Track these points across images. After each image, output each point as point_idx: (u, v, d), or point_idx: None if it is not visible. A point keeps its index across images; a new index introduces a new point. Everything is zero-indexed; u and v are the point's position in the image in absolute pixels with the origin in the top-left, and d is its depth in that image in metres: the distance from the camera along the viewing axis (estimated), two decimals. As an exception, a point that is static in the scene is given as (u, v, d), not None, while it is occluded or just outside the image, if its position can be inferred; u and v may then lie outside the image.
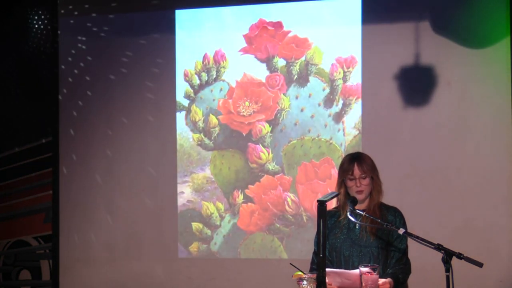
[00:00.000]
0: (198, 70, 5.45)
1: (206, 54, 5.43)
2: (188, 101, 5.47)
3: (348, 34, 5.14)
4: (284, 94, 5.27)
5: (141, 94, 5.55)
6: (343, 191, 3.42)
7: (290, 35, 5.26)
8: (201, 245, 5.42)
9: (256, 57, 5.33)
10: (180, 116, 5.48)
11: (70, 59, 5.70)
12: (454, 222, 4.89)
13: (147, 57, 5.54)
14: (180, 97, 5.48)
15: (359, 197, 3.37)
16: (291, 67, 5.25)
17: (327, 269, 3.03)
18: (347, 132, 5.14)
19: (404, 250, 3.40)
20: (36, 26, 5.80)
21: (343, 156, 5.02)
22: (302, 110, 5.24)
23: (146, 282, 5.48)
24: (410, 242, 3.31)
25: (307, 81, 5.23)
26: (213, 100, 5.41)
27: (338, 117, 5.16)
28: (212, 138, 5.41)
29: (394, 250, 3.38)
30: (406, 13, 5.02)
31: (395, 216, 3.43)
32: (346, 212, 3.37)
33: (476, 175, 4.88)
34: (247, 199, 5.33)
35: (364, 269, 3.11)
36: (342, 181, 3.42)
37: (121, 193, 5.57)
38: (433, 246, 3.01)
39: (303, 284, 3.08)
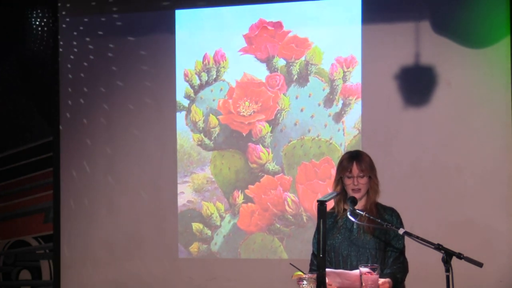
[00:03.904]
0: (198, 70, 5.45)
1: (206, 54, 5.43)
2: (188, 101, 5.47)
3: (348, 34, 5.14)
4: (284, 94, 5.27)
5: (141, 94, 5.55)
6: (339, 189, 3.42)
7: (290, 35, 5.26)
8: (201, 245, 5.42)
9: (256, 57, 5.33)
10: (180, 116, 5.48)
11: (70, 59, 5.69)
12: (454, 222, 4.89)
13: (147, 57, 5.54)
14: (180, 97, 5.48)
15: (355, 195, 3.37)
16: (291, 67, 5.25)
17: (327, 270, 3.03)
18: (347, 132, 5.14)
19: (401, 249, 3.40)
20: (36, 26, 5.79)
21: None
22: (302, 110, 5.24)
23: (146, 282, 5.48)
24: (410, 242, 3.31)
25: (307, 81, 5.23)
26: (213, 100, 5.41)
27: (338, 117, 5.16)
28: (212, 138, 5.41)
29: (391, 249, 3.37)
30: (406, 13, 5.02)
31: (392, 216, 3.43)
32: (346, 212, 3.37)
33: (476, 175, 4.88)
34: (247, 199, 5.33)
35: (364, 269, 3.10)
36: (340, 179, 3.42)
37: (122, 193, 5.57)
38: (433, 246, 3.01)
39: (303, 284, 3.08)
